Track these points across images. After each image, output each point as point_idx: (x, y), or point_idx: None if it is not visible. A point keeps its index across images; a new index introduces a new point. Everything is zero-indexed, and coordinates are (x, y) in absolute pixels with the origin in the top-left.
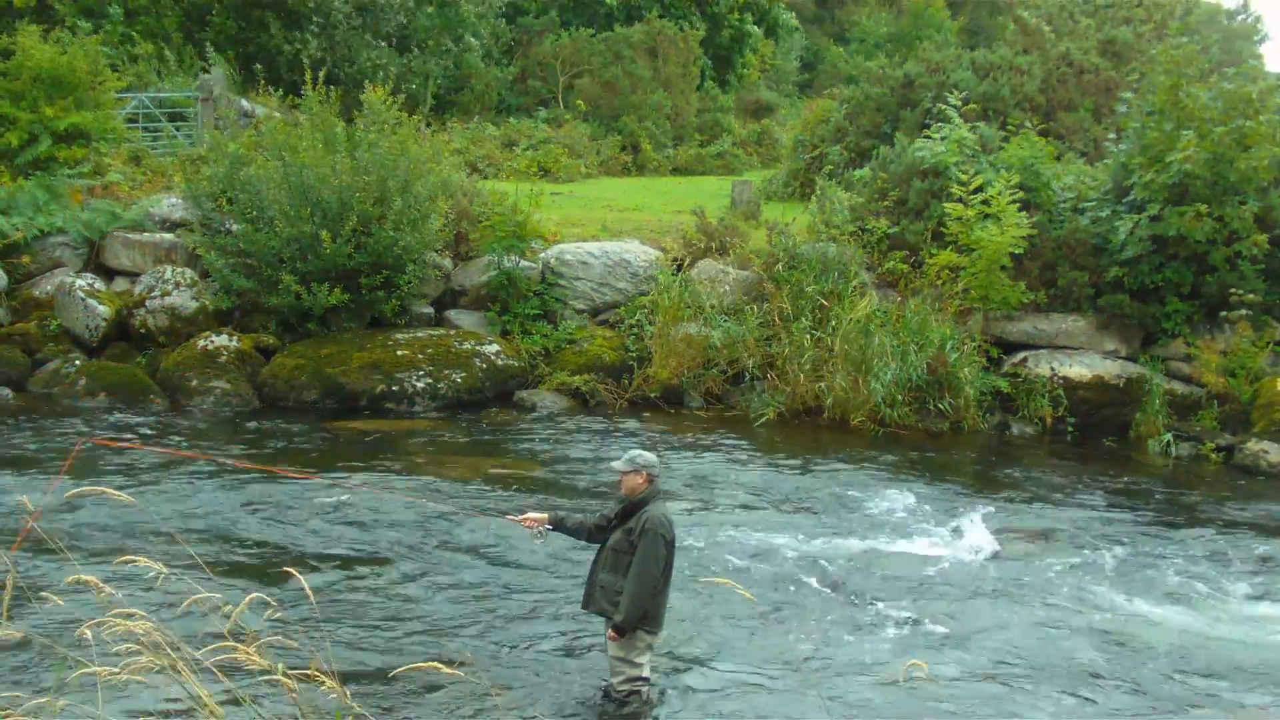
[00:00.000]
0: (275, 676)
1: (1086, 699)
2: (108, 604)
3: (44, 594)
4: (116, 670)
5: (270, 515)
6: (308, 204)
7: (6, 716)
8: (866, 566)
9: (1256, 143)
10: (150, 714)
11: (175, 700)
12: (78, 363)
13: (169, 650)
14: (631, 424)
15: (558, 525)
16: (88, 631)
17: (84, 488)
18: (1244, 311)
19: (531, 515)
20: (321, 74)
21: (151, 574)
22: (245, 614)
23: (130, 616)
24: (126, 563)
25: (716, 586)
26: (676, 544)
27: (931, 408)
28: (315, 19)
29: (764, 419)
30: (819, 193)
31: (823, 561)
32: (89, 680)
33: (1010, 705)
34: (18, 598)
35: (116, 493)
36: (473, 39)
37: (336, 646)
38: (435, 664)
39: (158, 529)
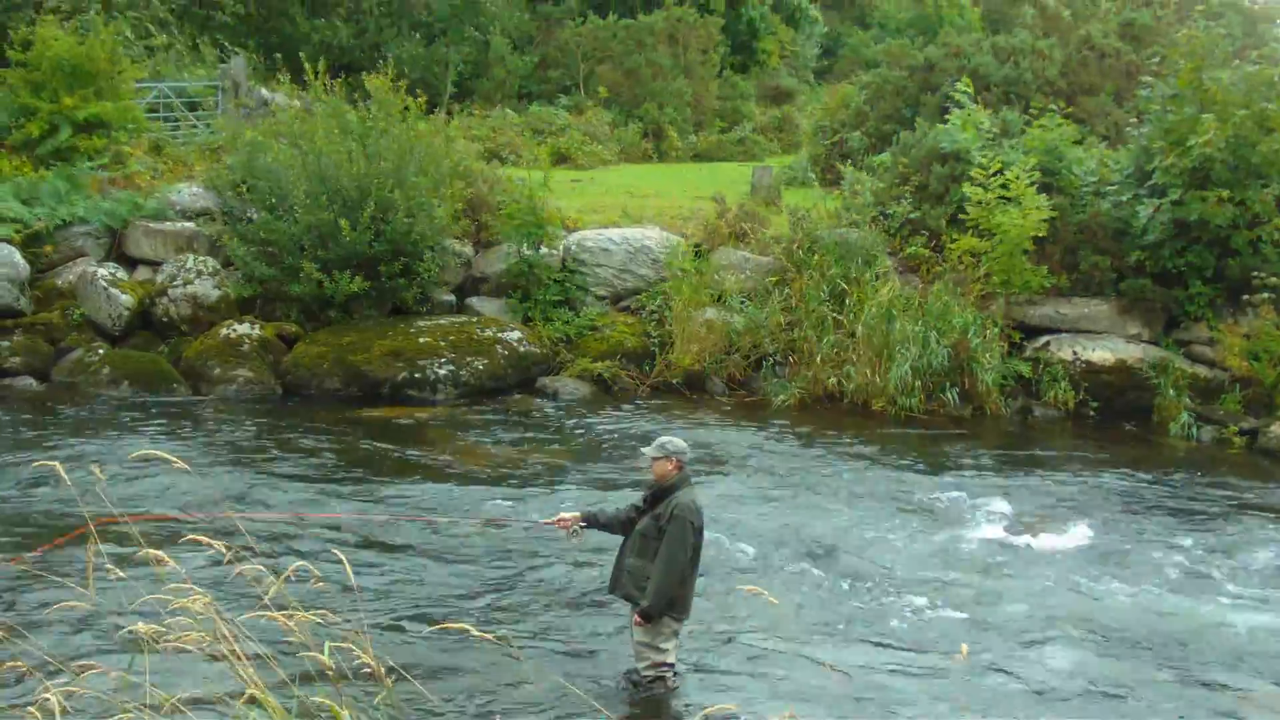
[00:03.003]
0: (317, 655)
1: (1110, 681)
2: (169, 578)
3: (108, 566)
4: (168, 637)
5: (306, 497)
6: (326, 191)
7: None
8: (890, 551)
9: (1279, 126)
10: (199, 691)
11: (226, 677)
12: (101, 352)
13: (224, 631)
14: (654, 410)
15: (591, 521)
16: (141, 626)
17: (146, 450)
18: (1267, 295)
19: (564, 516)
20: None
21: (209, 552)
22: (287, 587)
23: (188, 593)
24: (189, 541)
25: (743, 578)
26: (704, 531)
27: (950, 395)
28: (345, 4)
29: (786, 404)
30: (847, 178)
31: (847, 546)
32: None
33: (1041, 691)
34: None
35: (173, 457)
36: (497, 34)
37: (373, 623)
38: (465, 626)
39: (209, 501)
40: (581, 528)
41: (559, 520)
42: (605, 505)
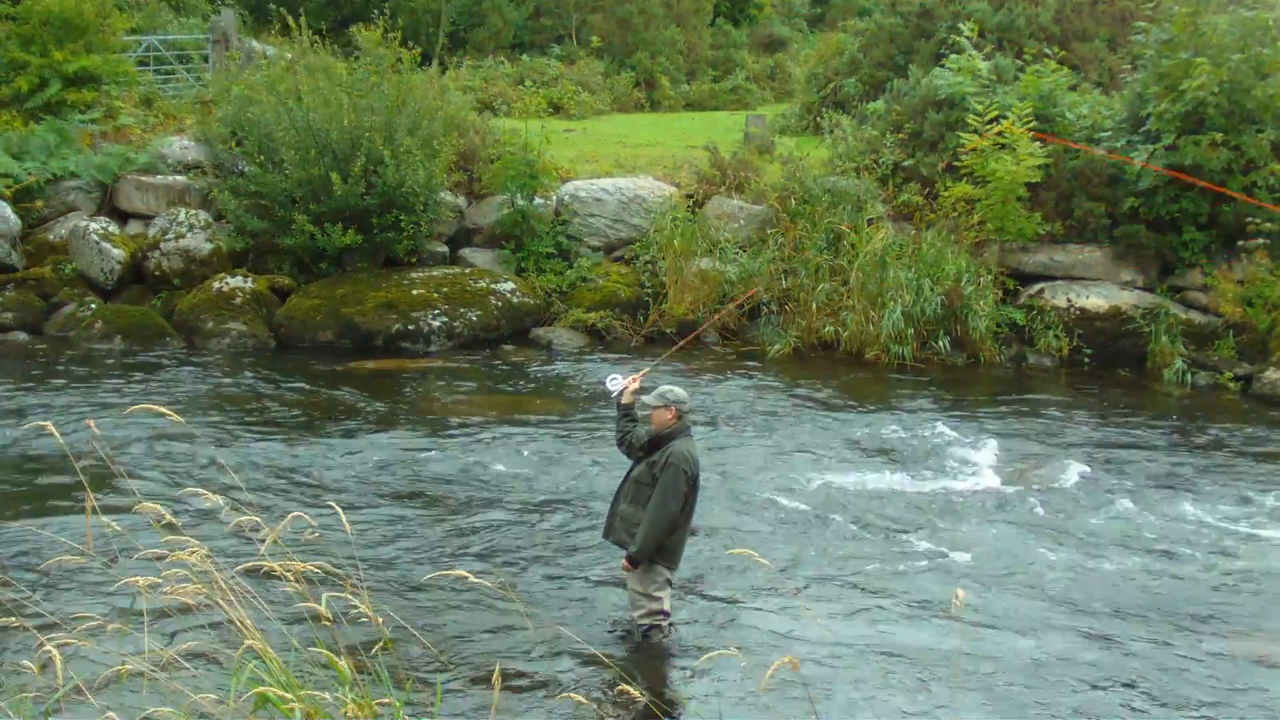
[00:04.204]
0: (315, 606)
1: (1105, 624)
2: (166, 530)
3: (105, 520)
4: (166, 590)
5: (308, 449)
6: (316, 145)
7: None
8: (885, 498)
9: (1274, 70)
10: (194, 635)
11: (219, 623)
12: (93, 306)
13: (221, 583)
14: (647, 360)
15: (626, 410)
16: (139, 579)
17: (140, 404)
18: (1261, 240)
19: (635, 385)
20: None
21: (206, 504)
22: (284, 538)
23: (184, 546)
24: (187, 493)
25: (737, 528)
26: (700, 481)
27: (942, 343)
28: None
29: (780, 353)
30: (826, 125)
31: (842, 494)
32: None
33: (1036, 634)
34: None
35: (169, 411)
36: None
37: (371, 573)
38: (463, 573)
39: (205, 454)
40: (618, 398)
41: (634, 378)
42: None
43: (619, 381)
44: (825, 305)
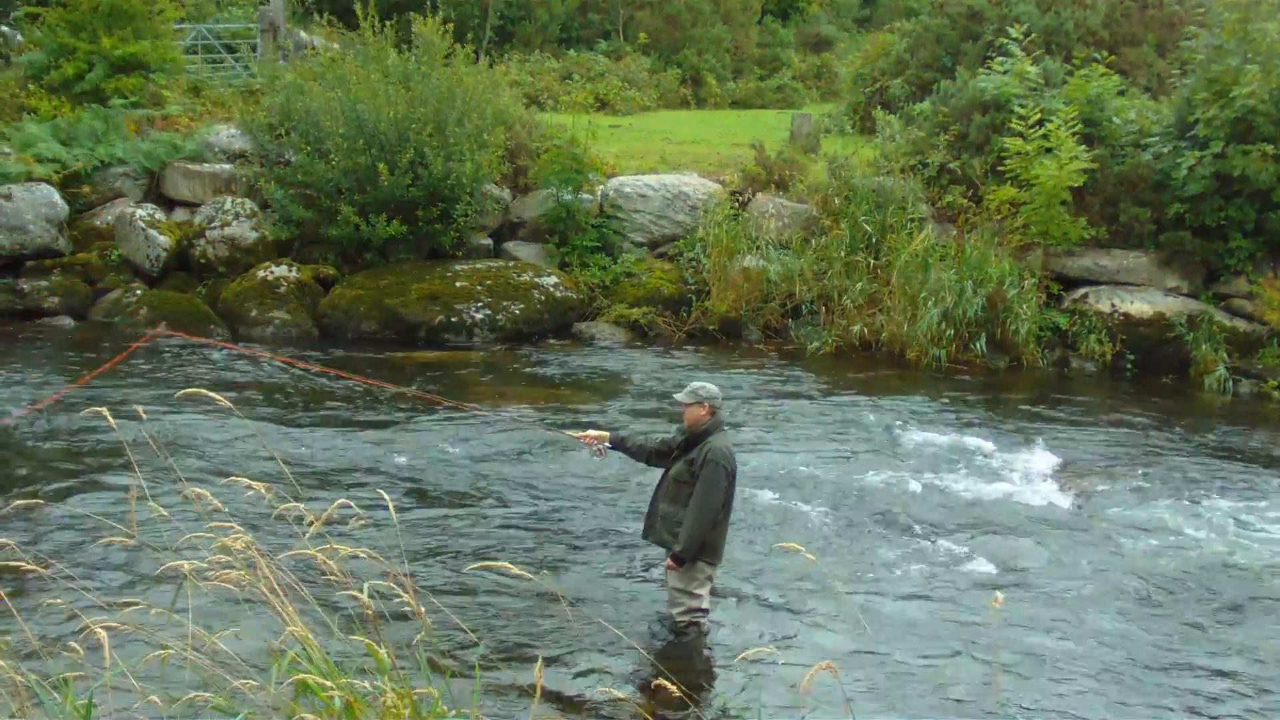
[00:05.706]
0: (357, 594)
1: (1144, 634)
2: (211, 516)
3: (151, 504)
4: (210, 575)
5: (350, 438)
6: (363, 136)
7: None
8: (925, 501)
9: None
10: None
11: (266, 614)
12: (138, 292)
13: (264, 569)
14: (689, 356)
15: (618, 444)
16: (186, 565)
17: (189, 389)
18: None
19: (592, 433)
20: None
21: (250, 491)
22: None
23: (228, 531)
24: (229, 482)
25: (776, 527)
26: (738, 477)
27: (979, 346)
28: None
29: (820, 352)
30: (880, 125)
31: (881, 495)
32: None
33: (1074, 639)
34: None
35: (219, 396)
36: None
37: (413, 563)
38: (506, 564)
39: (249, 442)
40: (606, 448)
41: (586, 436)
42: (635, 432)
43: (594, 448)
44: (865, 305)
